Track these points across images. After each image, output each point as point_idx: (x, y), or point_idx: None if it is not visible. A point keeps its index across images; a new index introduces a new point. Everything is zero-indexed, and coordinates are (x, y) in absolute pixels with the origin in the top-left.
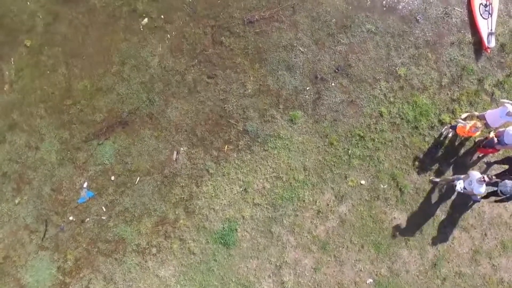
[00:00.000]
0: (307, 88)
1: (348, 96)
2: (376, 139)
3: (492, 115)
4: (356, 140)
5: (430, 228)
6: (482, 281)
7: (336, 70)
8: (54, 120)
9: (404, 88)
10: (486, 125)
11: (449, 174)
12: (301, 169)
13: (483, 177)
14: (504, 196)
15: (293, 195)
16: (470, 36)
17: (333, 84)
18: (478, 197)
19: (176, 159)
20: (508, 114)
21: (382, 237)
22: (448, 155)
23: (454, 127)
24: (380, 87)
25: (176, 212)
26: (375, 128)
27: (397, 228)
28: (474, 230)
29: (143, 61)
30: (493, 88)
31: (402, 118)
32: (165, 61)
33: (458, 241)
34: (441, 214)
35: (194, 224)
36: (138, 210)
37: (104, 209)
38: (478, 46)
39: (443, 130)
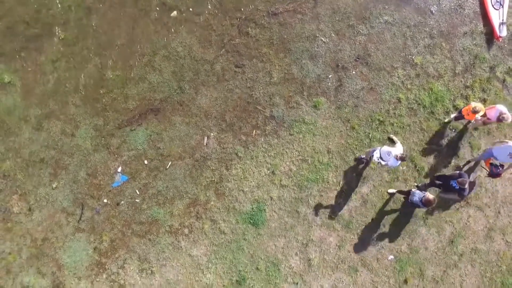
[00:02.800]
0: (329, 76)
1: (368, 84)
2: (395, 124)
3: (492, 113)
4: (376, 125)
5: (447, 208)
6: (496, 256)
7: (356, 59)
8: (88, 109)
9: (420, 76)
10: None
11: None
12: (325, 152)
13: (403, 155)
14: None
15: (318, 177)
16: (482, 26)
17: (353, 72)
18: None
19: (206, 144)
20: (498, 118)
21: (402, 215)
22: (458, 139)
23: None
24: (398, 74)
25: (207, 194)
26: (394, 113)
27: (415, 207)
28: (488, 208)
29: (173, 51)
30: (504, 75)
31: (419, 104)
32: (194, 51)
33: (473, 219)
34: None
35: (224, 205)
36: (170, 193)
37: (138, 192)
38: (490, 35)
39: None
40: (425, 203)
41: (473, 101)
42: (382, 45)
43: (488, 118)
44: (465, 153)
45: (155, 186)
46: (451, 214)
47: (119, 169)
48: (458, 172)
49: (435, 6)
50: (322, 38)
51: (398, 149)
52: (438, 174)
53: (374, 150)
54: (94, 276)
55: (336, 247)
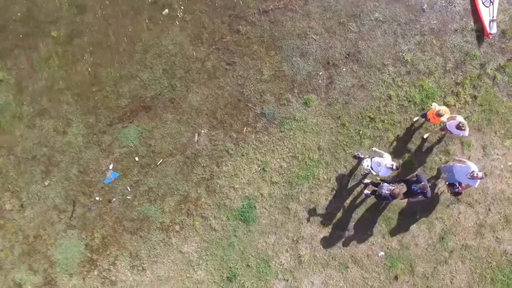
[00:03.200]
0: (320, 73)
1: (359, 81)
2: (385, 121)
3: (451, 123)
4: (366, 122)
5: (438, 204)
6: (486, 253)
7: (347, 56)
8: (80, 106)
9: (411, 73)
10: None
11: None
12: (316, 149)
13: (393, 165)
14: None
15: (308, 174)
16: (472, 23)
17: (344, 69)
18: (369, 192)
19: (197, 141)
20: (457, 127)
21: (392, 212)
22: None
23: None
24: (389, 72)
25: (198, 191)
26: (385, 110)
27: (405, 203)
28: (478, 205)
29: (164, 49)
30: (494, 72)
31: (410, 101)
32: (186, 49)
33: (463, 215)
34: (446, 190)
35: (215, 202)
36: (161, 190)
37: (129, 189)
38: (480, 32)
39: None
40: (393, 195)
41: (463, 98)
42: (373, 43)
43: (447, 128)
44: (455, 149)
45: (147, 183)
46: (441, 210)
47: (111, 166)
48: (415, 174)
49: (426, 3)
50: (313, 36)
51: (387, 159)
52: (399, 178)
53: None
54: (85, 273)
55: (326, 244)
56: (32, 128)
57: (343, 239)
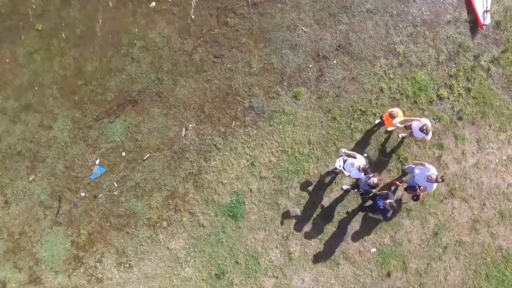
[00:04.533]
0: (310, 66)
1: (350, 73)
2: (377, 114)
3: (416, 125)
4: (358, 115)
5: (431, 199)
6: (481, 248)
7: (338, 48)
8: (66, 101)
9: (403, 65)
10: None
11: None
12: (306, 143)
13: (364, 166)
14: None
15: (298, 168)
16: (466, 14)
17: (334, 61)
18: (349, 187)
19: (184, 135)
20: (421, 129)
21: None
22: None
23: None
24: (380, 64)
25: (186, 187)
26: (376, 103)
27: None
28: (473, 200)
29: (151, 42)
30: (488, 64)
31: (402, 94)
32: (173, 42)
33: (458, 211)
34: (441, 185)
35: (203, 197)
36: (148, 185)
37: (116, 185)
38: (474, 23)
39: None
40: (371, 185)
41: (457, 90)
42: (364, 34)
43: (411, 130)
44: (449, 143)
45: (133, 178)
46: (435, 205)
47: (97, 162)
48: (386, 191)
49: None
50: (303, 28)
51: (360, 160)
52: (360, 187)
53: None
54: (71, 270)
55: (317, 240)
56: (17, 123)
57: (334, 235)
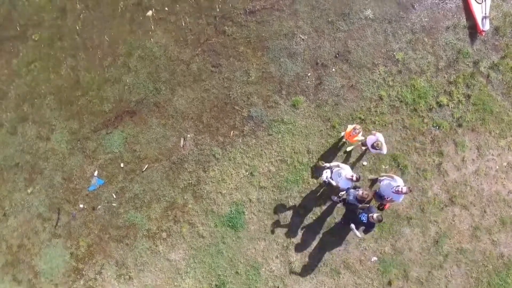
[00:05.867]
0: (309, 74)
1: (349, 81)
2: (376, 122)
3: (370, 140)
4: (357, 123)
5: (431, 207)
6: (482, 256)
7: (336, 56)
8: (63, 112)
9: (402, 72)
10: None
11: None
12: (305, 152)
13: (353, 176)
14: (351, 205)
15: (298, 178)
16: (464, 20)
17: (333, 69)
18: (335, 198)
19: (183, 146)
20: (373, 146)
21: (385, 216)
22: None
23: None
24: (379, 71)
25: (185, 197)
26: (375, 111)
27: (399, 207)
28: (473, 207)
29: (149, 52)
30: (488, 70)
31: (401, 101)
32: (170, 51)
33: (458, 218)
34: (441, 193)
35: (202, 208)
36: (147, 196)
37: (115, 196)
38: (473, 29)
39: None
40: (359, 199)
41: (457, 97)
42: (363, 42)
43: (366, 147)
44: (449, 150)
45: (132, 189)
46: (436, 213)
47: (95, 173)
48: (368, 205)
49: (417, 0)
50: (301, 36)
51: (346, 170)
52: (347, 200)
53: (325, 168)
54: (71, 283)
55: (317, 249)
56: (15, 134)
57: (335, 245)
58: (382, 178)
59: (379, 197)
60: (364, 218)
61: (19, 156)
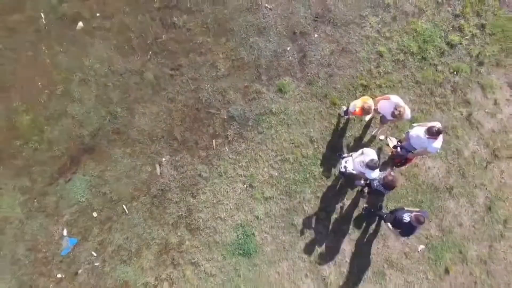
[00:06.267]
0: (288, 49)
1: (337, 45)
2: (383, 84)
3: (386, 108)
4: (360, 92)
5: (473, 168)
6: None
7: (315, 19)
8: (7, 169)
9: (397, 18)
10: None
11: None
12: (308, 143)
13: (375, 161)
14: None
15: (307, 175)
16: None
17: (316, 35)
18: (362, 181)
19: (160, 173)
20: (393, 114)
21: (421, 193)
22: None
23: (346, 112)
24: (370, 24)
25: (178, 234)
26: (378, 72)
27: (435, 178)
28: None
29: (90, 71)
30: None
31: (406, 52)
32: (116, 64)
33: (508, 173)
34: (480, 149)
35: (203, 241)
36: (134, 244)
37: (95, 254)
38: None
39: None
40: (386, 185)
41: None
42: None
43: (381, 115)
44: (476, 96)
45: (113, 240)
46: (479, 175)
47: (65, 232)
48: (420, 210)
49: None
50: (267, 5)
51: (368, 155)
52: (373, 186)
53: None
54: None
55: (351, 254)
56: None
57: (370, 243)
58: (413, 129)
59: (406, 151)
60: (407, 217)
61: None
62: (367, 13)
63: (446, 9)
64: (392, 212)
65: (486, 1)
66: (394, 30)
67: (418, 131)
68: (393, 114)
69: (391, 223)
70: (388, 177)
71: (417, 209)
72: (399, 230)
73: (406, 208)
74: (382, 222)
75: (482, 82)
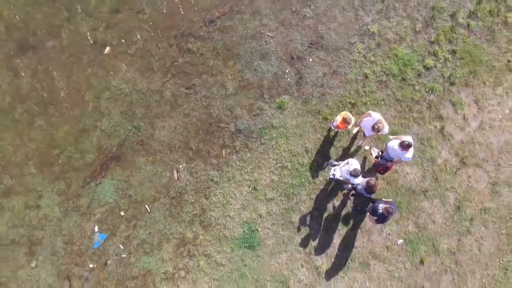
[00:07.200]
0: (287, 71)
1: (329, 68)
2: (368, 102)
3: (367, 123)
4: (349, 108)
5: (444, 174)
6: (508, 210)
7: (310, 45)
8: (46, 174)
9: (381, 44)
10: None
11: None
12: (303, 152)
13: (358, 170)
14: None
15: (302, 180)
16: None
17: (310, 60)
18: (350, 185)
19: (178, 178)
20: (373, 128)
21: (400, 196)
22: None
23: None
24: (358, 49)
25: (193, 230)
26: (364, 92)
27: (412, 183)
28: (486, 163)
29: (117, 90)
30: (467, 20)
31: (388, 74)
32: (139, 84)
33: (474, 178)
34: (450, 157)
35: (214, 236)
36: (155, 238)
37: (122, 247)
38: None
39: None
40: (368, 189)
41: (442, 56)
42: (333, 23)
43: (363, 133)
44: (448, 112)
45: (138, 235)
46: (450, 179)
47: (96, 229)
48: (390, 200)
49: None
50: (268, 33)
51: (353, 164)
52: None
53: (331, 164)
54: None
55: (341, 247)
56: (1, 210)
57: (357, 237)
58: (389, 141)
59: (385, 160)
60: (380, 208)
61: (13, 232)
62: (355, 40)
63: (423, 37)
64: (373, 200)
65: (456, 30)
66: (378, 55)
67: (393, 144)
68: (373, 128)
69: (370, 212)
70: (370, 182)
71: (390, 200)
72: (375, 218)
73: (383, 199)
74: (367, 214)
75: (453, 100)
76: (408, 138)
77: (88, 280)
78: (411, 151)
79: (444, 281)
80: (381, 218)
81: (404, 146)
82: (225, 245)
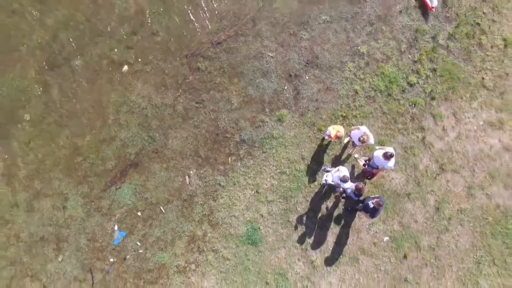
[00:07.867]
0: (285, 87)
1: (323, 84)
2: (358, 115)
3: (355, 135)
4: (340, 121)
5: (425, 179)
6: (481, 211)
7: (306, 64)
8: (71, 179)
9: (369, 63)
10: (353, 144)
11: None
12: (300, 160)
13: (346, 176)
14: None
15: (299, 184)
16: (414, 0)
17: (307, 77)
18: (341, 189)
19: (189, 183)
20: (359, 139)
21: (386, 198)
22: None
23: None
24: (349, 68)
25: (203, 228)
26: (354, 106)
27: (397, 186)
28: (463, 169)
29: (134, 105)
30: (446, 41)
31: (375, 90)
32: (154, 99)
33: (452, 182)
34: (431, 164)
35: (221, 233)
36: (169, 236)
37: (139, 244)
38: (423, 8)
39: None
40: (356, 192)
41: (424, 73)
42: (327, 44)
43: (353, 142)
44: (429, 124)
45: (153, 233)
46: (430, 183)
47: (116, 227)
48: (378, 195)
49: None
50: (269, 53)
51: (342, 171)
52: (347, 193)
53: (324, 171)
54: None
55: (333, 243)
56: (32, 211)
57: (348, 235)
58: (375, 151)
59: (372, 168)
60: (371, 204)
61: (42, 230)
62: (346, 59)
63: (407, 57)
64: (362, 201)
65: (437, 50)
66: (367, 73)
67: (378, 153)
68: (360, 139)
69: (362, 210)
70: (358, 186)
71: (377, 195)
72: (368, 214)
73: (371, 196)
74: (358, 212)
75: (434, 112)
76: (390, 149)
77: (109, 273)
78: (392, 160)
79: (425, 273)
80: (374, 212)
81: (387, 156)
82: (230, 242)
